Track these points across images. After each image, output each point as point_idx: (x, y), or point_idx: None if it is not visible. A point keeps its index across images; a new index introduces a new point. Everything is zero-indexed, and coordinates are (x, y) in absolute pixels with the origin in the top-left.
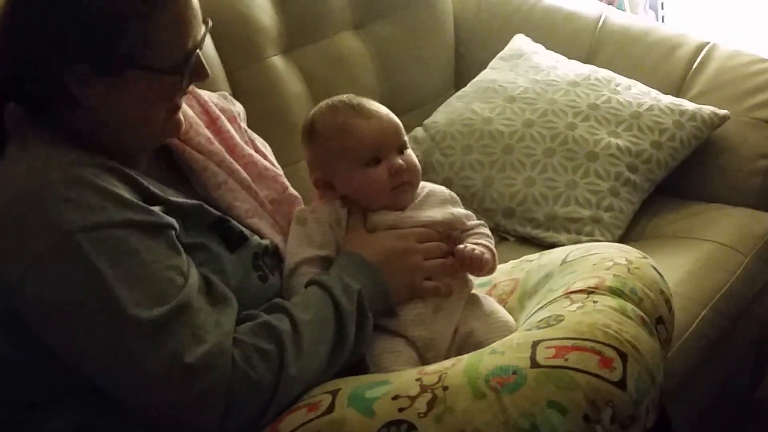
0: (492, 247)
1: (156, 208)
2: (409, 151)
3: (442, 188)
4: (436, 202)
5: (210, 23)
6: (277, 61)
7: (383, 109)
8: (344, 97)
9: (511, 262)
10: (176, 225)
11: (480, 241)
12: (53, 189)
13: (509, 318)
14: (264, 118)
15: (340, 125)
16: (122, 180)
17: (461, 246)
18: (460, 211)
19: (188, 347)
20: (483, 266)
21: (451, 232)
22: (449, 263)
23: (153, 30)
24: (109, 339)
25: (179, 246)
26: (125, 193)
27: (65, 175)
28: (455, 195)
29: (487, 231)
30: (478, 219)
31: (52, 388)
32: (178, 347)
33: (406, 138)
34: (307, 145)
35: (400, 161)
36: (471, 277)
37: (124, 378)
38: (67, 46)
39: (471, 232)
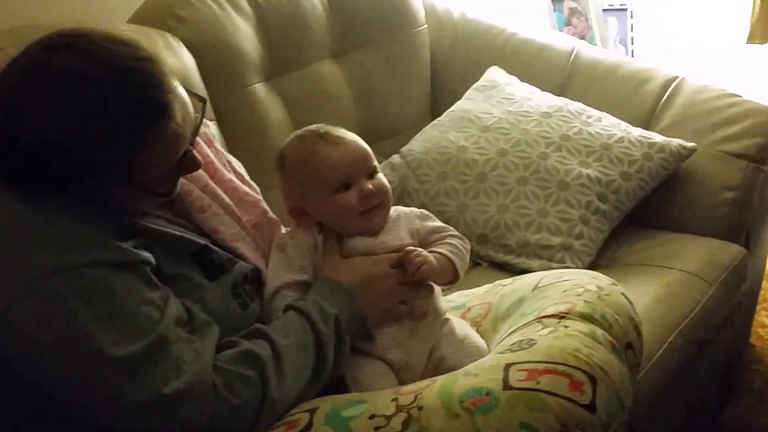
0: (450, 254)
1: (135, 241)
2: (380, 175)
3: (412, 208)
4: (407, 224)
5: (206, 101)
6: (260, 89)
7: (350, 136)
8: (313, 126)
9: (486, 285)
10: (151, 260)
11: (438, 249)
12: (24, 233)
13: (481, 343)
14: (246, 143)
15: (308, 154)
16: (97, 213)
17: (409, 249)
18: (429, 224)
19: (168, 379)
20: (420, 274)
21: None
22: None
23: (142, 159)
24: (88, 378)
25: (155, 280)
26: (99, 229)
27: (36, 217)
28: (426, 211)
29: (454, 241)
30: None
31: (36, 409)
32: (158, 380)
33: (375, 163)
34: (279, 175)
35: (370, 185)
36: (445, 300)
37: (106, 412)
38: (53, 165)
39: (440, 241)
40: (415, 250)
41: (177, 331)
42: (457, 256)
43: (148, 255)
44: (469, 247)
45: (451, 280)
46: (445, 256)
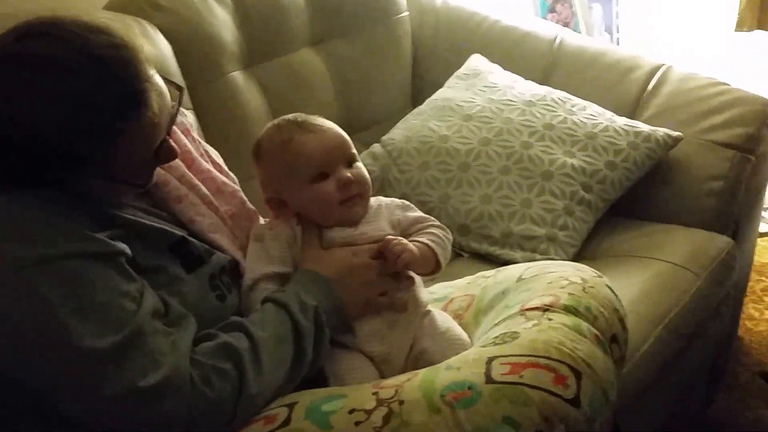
0: (432, 243)
1: (111, 233)
2: (359, 164)
3: (393, 199)
4: (388, 214)
5: (183, 90)
6: (238, 77)
7: (328, 124)
8: (291, 115)
9: (468, 277)
10: (128, 251)
11: (419, 239)
12: (0, 225)
13: (463, 335)
14: (224, 132)
15: (285, 143)
16: (73, 205)
17: (388, 237)
18: (411, 215)
19: (145, 372)
20: (400, 262)
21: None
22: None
23: (118, 149)
24: (66, 371)
25: (131, 272)
26: (75, 220)
27: (13, 209)
28: (407, 202)
29: (435, 231)
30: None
31: (36, 411)
32: (136, 373)
33: (354, 151)
34: (257, 165)
35: (348, 174)
36: (426, 292)
37: (84, 405)
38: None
39: (421, 231)
40: (395, 239)
41: (154, 323)
42: (438, 245)
43: (123, 246)
44: (451, 237)
45: (433, 270)
46: (426, 245)
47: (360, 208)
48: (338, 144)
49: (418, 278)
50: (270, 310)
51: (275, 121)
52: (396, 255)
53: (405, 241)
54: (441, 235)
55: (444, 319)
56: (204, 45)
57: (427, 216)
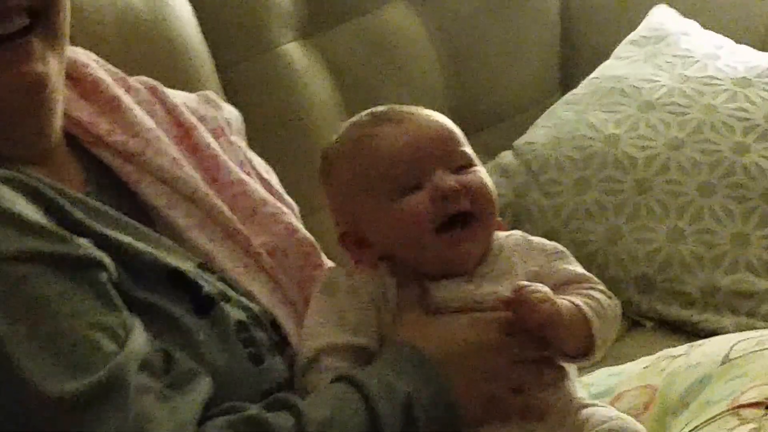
0: (586, 307)
1: (82, 241)
2: (477, 168)
3: (540, 240)
4: (524, 261)
5: None
6: (293, 50)
7: (424, 111)
8: (375, 108)
9: (646, 359)
10: (109, 265)
11: (569, 297)
12: None
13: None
14: (272, 137)
15: (356, 141)
16: (26, 194)
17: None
18: (562, 268)
19: None
20: (539, 316)
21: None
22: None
23: None
24: (14, 421)
25: (115, 297)
26: (30, 212)
27: None
28: (560, 247)
29: (597, 295)
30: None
31: None
32: None
33: (466, 149)
34: (325, 186)
35: (451, 181)
36: (579, 386)
37: None
38: None
39: (575, 290)
40: (531, 285)
41: (142, 378)
42: (596, 313)
43: (102, 255)
44: (619, 313)
45: (582, 349)
46: (576, 306)
47: (472, 243)
48: (438, 135)
49: (570, 366)
50: (336, 388)
51: (353, 119)
52: (532, 305)
53: (547, 289)
54: (604, 301)
55: (608, 416)
56: (242, 4)
57: (590, 275)
